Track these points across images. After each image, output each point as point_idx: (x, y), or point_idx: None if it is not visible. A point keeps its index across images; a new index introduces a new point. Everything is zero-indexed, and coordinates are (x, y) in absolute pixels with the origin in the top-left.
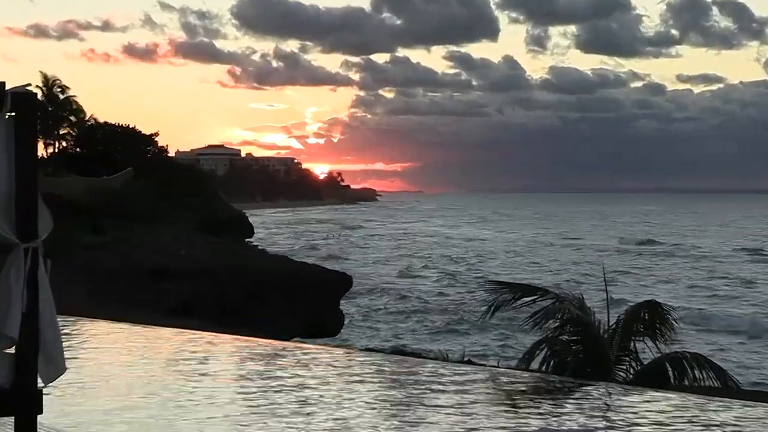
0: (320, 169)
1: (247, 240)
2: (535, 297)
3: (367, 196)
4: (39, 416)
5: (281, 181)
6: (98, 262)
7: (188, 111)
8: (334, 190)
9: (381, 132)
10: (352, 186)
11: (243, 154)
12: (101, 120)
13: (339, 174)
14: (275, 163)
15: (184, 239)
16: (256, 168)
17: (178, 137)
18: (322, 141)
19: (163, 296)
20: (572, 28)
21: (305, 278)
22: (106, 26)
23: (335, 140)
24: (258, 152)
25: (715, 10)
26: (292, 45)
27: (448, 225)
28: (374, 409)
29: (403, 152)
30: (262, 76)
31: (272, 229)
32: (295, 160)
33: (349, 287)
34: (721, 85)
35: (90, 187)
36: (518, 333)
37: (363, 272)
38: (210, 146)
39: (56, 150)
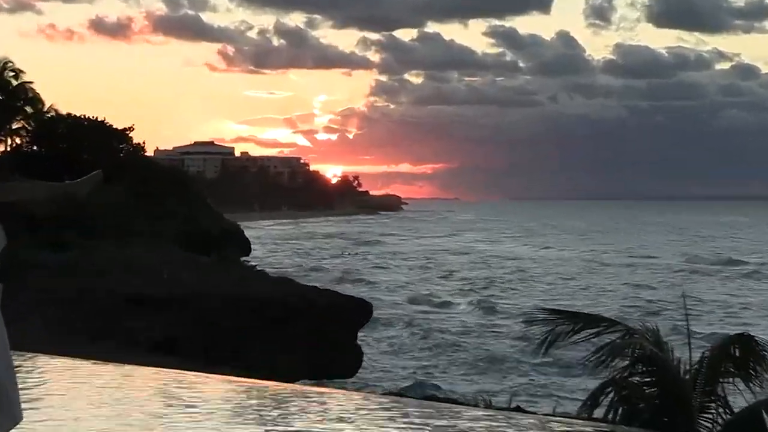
0: (332, 172)
1: (242, 259)
2: (600, 329)
3: (390, 204)
4: None
5: (284, 186)
6: (60, 286)
7: (170, 100)
8: (349, 198)
9: (407, 126)
10: (372, 192)
11: (237, 153)
12: (63, 111)
13: (355, 177)
14: (277, 164)
15: (166, 258)
16: (254, 170)
17: (158, 133)
18: (334, 137)
19: (139, 328)
20: None
21: (314, 306)
22: None
23: (350, 136)
24: (256, 151)
25: None
26: (296, 19)
27: (486, 240)
28: None
29: (433, 151)
30: (260, 57)
31: (273, 245)
32: (302, 161)
33: (369, 317)
34: None
35: (50, 193)
36: (576, 373)
37: (382, 299)
38: (197, 143)
39: (8, 148)
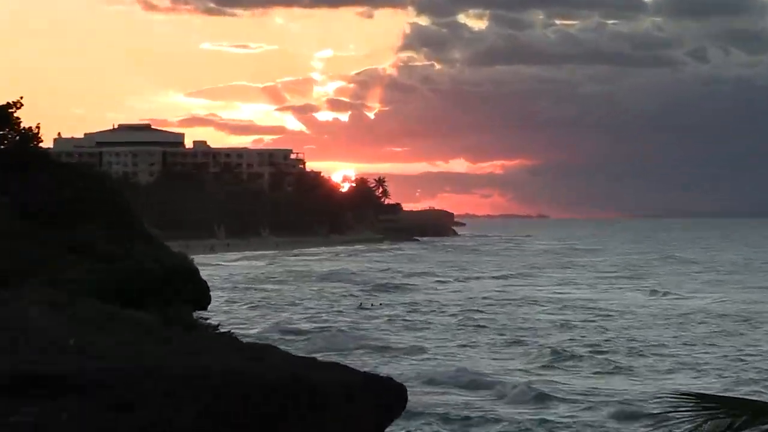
0: (342, 173)
1: (197, 315)
2: None
3: (435, 225)
4: None
5: (264, 196)
6: None
7: (80, 60)
8: (368, 215)
9: (462, 98)
10: (406, 206)
11: (188, 144)
12: None
13: (380, 182)
14: (252, 161)
15: (73, 316)
16: (215, 170)
17: (62, 112)
18: (344, 117)
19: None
20: None
21: (316, 391)
22: None
23: (371, 115)
24: (217, 139)
25: None
26: None
27: (583, 283)
28: None
29: (504, 140)
30: None
31: (243, 291)
32: (293, 155)
33: (402, 407)
34: None
35: None
36: None
37: (418, 372)
38: (123, 128)
39: None
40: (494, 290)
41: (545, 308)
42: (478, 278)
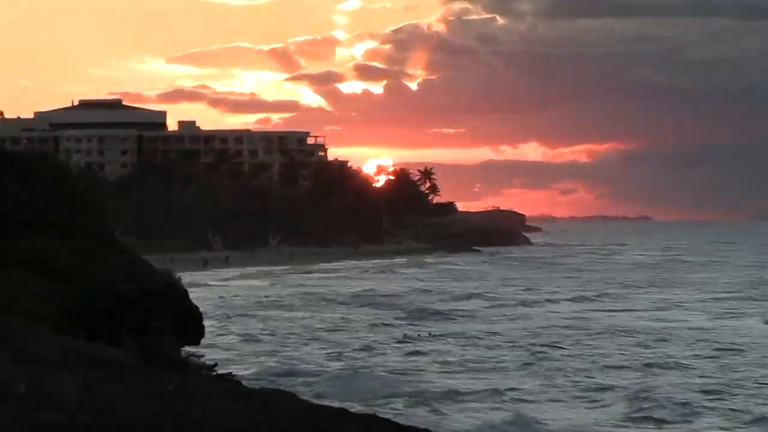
0: (374, 161)
1: (186, 350)
2: None
3: (501, 229)
4: None
5: (272, 191)
6: None
7: (28, 18)
8: (410, 216)
9: (533, 64)
10: (461, 205)
11: (172, 125)
12: None
13: (425, 173)
14: (257, 146)
15: (24, 352)
16: (207, 159)
17: (5, 85)
18: (377, 89)
19: None
20: None
21: None
22: None
23: (413, 86)
24: (210, 119)
25: None
26: None
27: (692, 307)
28: None
29: (592, 118)
30: None
31: (245, 319)
32: (311, 139)
33: None
34: None
35: None
36: None
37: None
38: (84, 104)
39: None
40: (573, 317)
41: (640, 340)
42: (551, 301)
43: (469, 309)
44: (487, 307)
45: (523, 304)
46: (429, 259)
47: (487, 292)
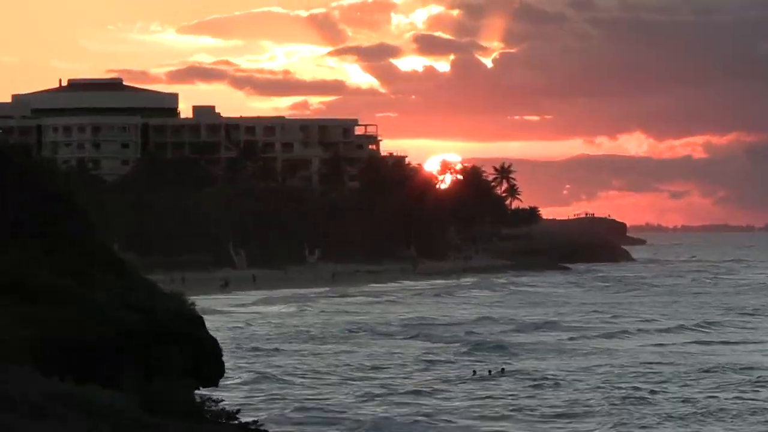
0: (441, 157)
1: (204, 393)
2: None
3: (596, 242)
4: None
5: (314, 196)
6: None
7: None
8: (488, 227)
9: (639, 36)
10: (549, 212)
11: (186, 113)
12: None
13: (504, 172)
14: (292, 138)
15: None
16: (231, 155)
17: None
18: (442, 66)
19: None
20: None
21: None
22: None
23: (488, 62)
24: (233, 104)
25: None
26: None
27: None
28: None
29: (711, 103)
30: None
31: (273, 354)
32: (360, 129)
33: None
34: None
35: None
36: None
37: None
38: (75, 85)
39: None
40: (671, 351)
41: (757, 379)
42: (644, 331)
43: (542, 342)
44: (564, 339)
45: (603, 335)
46: (501, 279)
47: (566, 321)
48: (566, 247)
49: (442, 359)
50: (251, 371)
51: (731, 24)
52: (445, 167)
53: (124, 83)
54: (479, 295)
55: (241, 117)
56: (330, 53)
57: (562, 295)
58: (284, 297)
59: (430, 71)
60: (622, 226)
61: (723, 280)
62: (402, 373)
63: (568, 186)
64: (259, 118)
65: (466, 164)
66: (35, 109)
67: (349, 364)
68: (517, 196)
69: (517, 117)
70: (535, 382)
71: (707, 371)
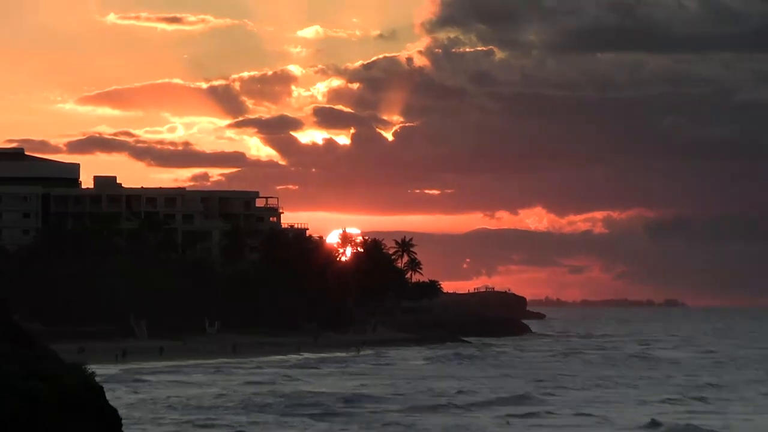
0: (341, 230)
1: None
2: None
3: (496, 316)
4: None
5: (215, 268)
6: None
7: None
8: (388, 300)
9: (537, 111)
10: (449, 286)
11: (87, 183)
12: None
13: (405, 246)
14: (193, 210)
15: None
16: (132, 226)
17: None
18: (342, 139)
19: None
20: None
21: None
22: None
23: (389, 135)
24: (134, 175)
25: None
26: None
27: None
28: None
29: (611, 177)
30: None
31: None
32: (260, 201)
33: None
34: None
35: None
36: None
37: None
38: None
39: None
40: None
41: None
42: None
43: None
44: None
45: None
46: (410, 352)
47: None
48: (467, 322)
49: None
50: None
51: (632, 101)
52: (346, 240)
53: (26, 153)
54: (362, 369)
55: (142, 188)
56: (230, 125)
57: (466, 374)
58: (194, 366)
59: (330, 144)
60: (522, 299)
61: (631, 359)
62: None
63: (468, 260)
64: (160, 189)
65: (366, 237)
66: None
67: None
68: (418, 269)
69: (417, 190)
70: None
71: None
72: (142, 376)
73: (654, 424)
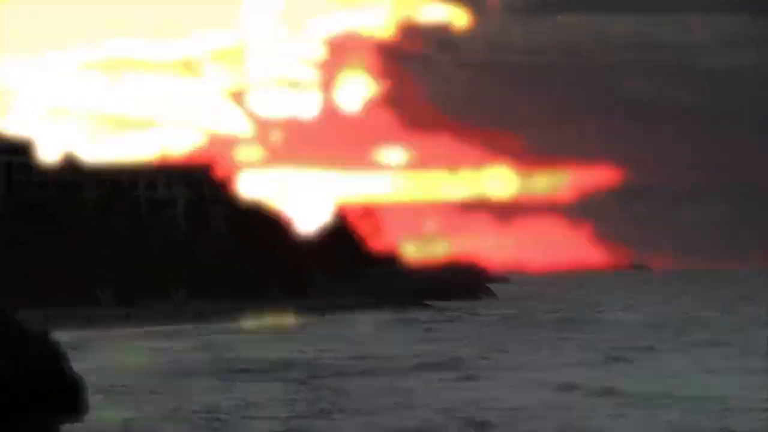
0: (298, 179)
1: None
2: None
3: (460, 281)
4: None
5: (179, 237)
6: None
7: None
8: (355, 266)
9: (501, 76)
10: (409, 249)
11: (47, 157)
12: None
13: (367, 214)
14: (156, 180)
15: None
16: (92, 196)
17: None
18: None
19: None
20: None
21: None
22: None
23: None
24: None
25: None
26: None
27: None
28: None
29: (575, 145)
30: None
31: (147, 392)
32: (212, 170)
33: None
34: None
35: None
36: None
37: None
38: None
39: None
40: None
41: None
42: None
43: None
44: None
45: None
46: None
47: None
48: (432, 287)
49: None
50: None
51: (594, 65)
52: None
53: None
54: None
55: (92, 166)
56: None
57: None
58: (159, 333)
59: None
60: (485, 265)
61: (589, 324)
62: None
63: (431, 224)
64: (121, 163)
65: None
66: None
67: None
68: (381, 235)
69: (374, 152)
70: None
71: None
72: (95, 342)
73: (569, 386)
